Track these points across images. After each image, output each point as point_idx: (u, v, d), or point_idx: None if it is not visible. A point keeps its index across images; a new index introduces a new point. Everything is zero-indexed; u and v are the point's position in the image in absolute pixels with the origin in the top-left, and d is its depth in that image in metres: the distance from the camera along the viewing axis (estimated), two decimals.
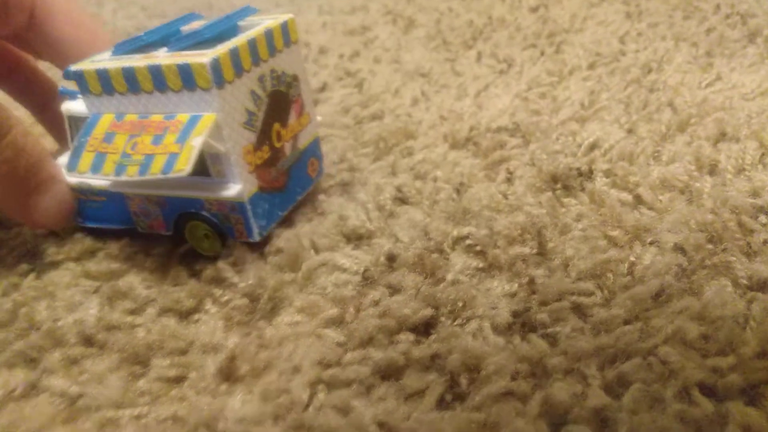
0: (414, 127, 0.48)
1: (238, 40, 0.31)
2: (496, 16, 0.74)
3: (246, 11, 0.35)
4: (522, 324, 0.29)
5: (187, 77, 0.29)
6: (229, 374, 0.27)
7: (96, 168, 0.31)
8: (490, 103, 0.51)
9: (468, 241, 0.34)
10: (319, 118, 0.39)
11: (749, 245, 0.31)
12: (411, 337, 0.28)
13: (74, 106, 0.35)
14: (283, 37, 0.34)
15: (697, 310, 0.27)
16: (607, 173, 0.39)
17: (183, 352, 0.29)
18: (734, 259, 0.30)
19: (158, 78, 0.30)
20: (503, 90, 0.53)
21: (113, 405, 0.26)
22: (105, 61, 0.32)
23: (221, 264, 0.34)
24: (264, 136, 0.33)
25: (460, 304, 0.30)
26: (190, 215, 0.34)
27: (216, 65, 0.29)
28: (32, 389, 0.28)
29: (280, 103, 0.34)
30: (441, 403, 0.25)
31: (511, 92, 0.52)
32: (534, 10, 0.75)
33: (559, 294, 0.29)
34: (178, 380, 0.27)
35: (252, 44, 0.31)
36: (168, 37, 0.34)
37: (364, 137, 0.48)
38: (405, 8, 0.83)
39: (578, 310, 0.29)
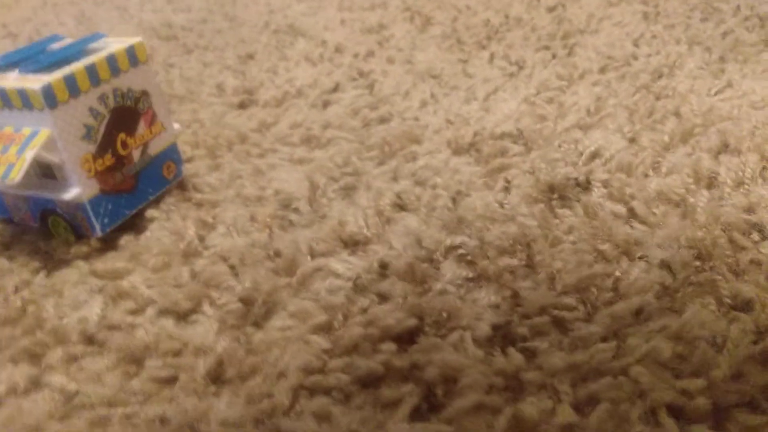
0: (420, 131, 0.49)
1: (76, 66, 0.36)
2: (513, 15, 0.73)
3: (96, 36, 0.39)
4: (503, 336, 0.29)
5: (25, 99, 0.34)
6: (217, 377, 0.28)
7: None
8: (497, 107, 0.51)
9: (460, 251, 0.35)
10: (176, 125, 0.44)
11: (738, 263, 0.32)
12: (393, 346, 0.29)
13: None
14: (129, 59, 0.39)
15: (674, 330, 0.28)
16: (605, 184, 0.39)
17: (177, 353, 0.30)
18: (720, 277, 0.31)
19: (5, 98, 0.35)
20: (511, 94, 0.53)
21: (106, 403, 0.28)
22: None
23: (220, 266, 0.35)
24: (106, 145, 0.38)
25: (445, 315, 0.30)
26: (50, 211, 0.39)
27: (48, 90, 0.34)
28: (34, 385, 0.30)
29: (125, 116, 0.39)
30: (417, 414, 0.26)
31: (519, 96, 0.52)
32: (551, 9, 0.74)
33: (542, 308, 0.30)
34: (170, 381, 0.29)
35: (90, 69, 0.36)
36: (25, 59, 0.38)
37: (370, 141, 0.48)
38: (424, 5, 0.83)
39: (560, 324, 0.30)
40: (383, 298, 0.32)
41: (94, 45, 0.39)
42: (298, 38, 0.75)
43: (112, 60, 0.37)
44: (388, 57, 0.65)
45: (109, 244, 0.39)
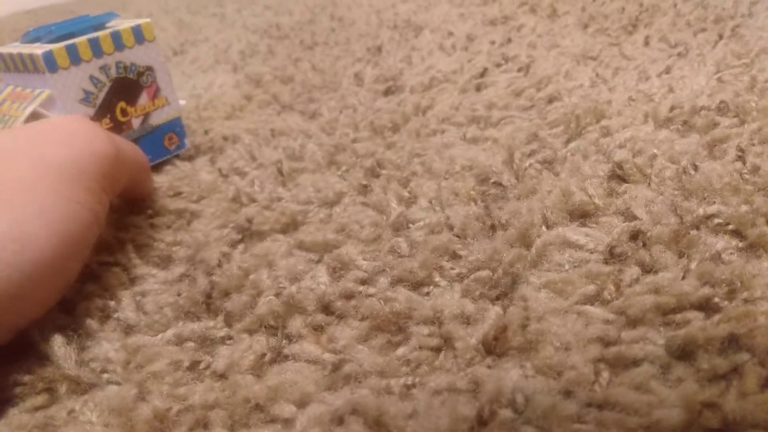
0: (603, 107, 0.45)
1: (80, 39, 0.39)
2: (648, 4, 0.70)
3: (109, 15, 0.43)
4: None
5: (34, 63, 0.38)
6: (493, 346, 0.25)
7: None
8: (681, 83, 0.47)
9: (717, 220, 0.31)
10: (182, 102, 0.46)
11: None
12: (700, 315, 0.25)
13: None
14: (135, 37, 0.42)
15: None
16: None
17: (433, 321, 0.27)
18: None
19: (23, 62, 0.39)
20: (690, 72, 0.49)
21: (378, 373, 0.24)
22: (10, 47, 0.41)
23: (444, 236, 0.32)
24: (105, 111, 0.42)
25: (738, 283, 0.26)
26: None
27: (49, 56, 0.38)
28: (277, 355, 0.26)
29: (126, 87, 0.43)
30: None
31: (701, 73, 0.49)
32: None
33: None
34: (438, 350, 0.25)
35: (93, 41, 0.40)
36: (46, 33, 0.41)
37: (549, 117, 0.45)
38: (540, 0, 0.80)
39: None
40: (647, 268, 0.29)
41: (110, 23, 0.42)
42: (422, 31, 0.73)
43: (116, 36, 0.41)
44: (529, 42, 0.62)
45: (300, 218, 0.36)
